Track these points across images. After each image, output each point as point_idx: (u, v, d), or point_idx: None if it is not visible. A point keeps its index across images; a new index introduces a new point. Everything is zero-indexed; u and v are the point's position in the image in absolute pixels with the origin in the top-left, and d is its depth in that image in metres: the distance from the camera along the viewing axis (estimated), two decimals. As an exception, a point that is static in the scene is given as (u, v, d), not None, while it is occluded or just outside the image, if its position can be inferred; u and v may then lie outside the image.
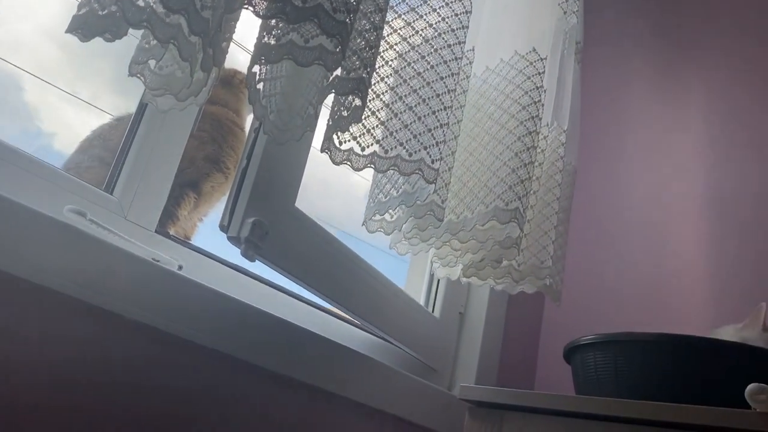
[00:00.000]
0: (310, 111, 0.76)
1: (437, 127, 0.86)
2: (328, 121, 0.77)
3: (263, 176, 0.81)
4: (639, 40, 1.60)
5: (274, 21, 0.63)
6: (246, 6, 0.60)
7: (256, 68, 0.72)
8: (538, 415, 0.87)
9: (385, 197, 0.93)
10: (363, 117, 0.82)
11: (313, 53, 0.65)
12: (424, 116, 0.85)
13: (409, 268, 1.36)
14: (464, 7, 0.92)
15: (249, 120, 1.06)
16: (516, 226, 0.97)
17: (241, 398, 0.85)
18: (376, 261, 1.07)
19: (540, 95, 1.02)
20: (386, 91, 0.85)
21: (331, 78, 0.70)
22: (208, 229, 1.06)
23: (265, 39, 0.66)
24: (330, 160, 0.81)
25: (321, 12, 0.61)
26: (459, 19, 0.90)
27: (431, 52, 0.87)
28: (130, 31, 0.64)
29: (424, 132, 0.85)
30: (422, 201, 0.91)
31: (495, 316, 1.34)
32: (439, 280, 1.31)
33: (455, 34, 0.89)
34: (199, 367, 0.81)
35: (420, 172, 0.83)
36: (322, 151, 0.79)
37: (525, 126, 0.99)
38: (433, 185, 0.87)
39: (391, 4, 0.87)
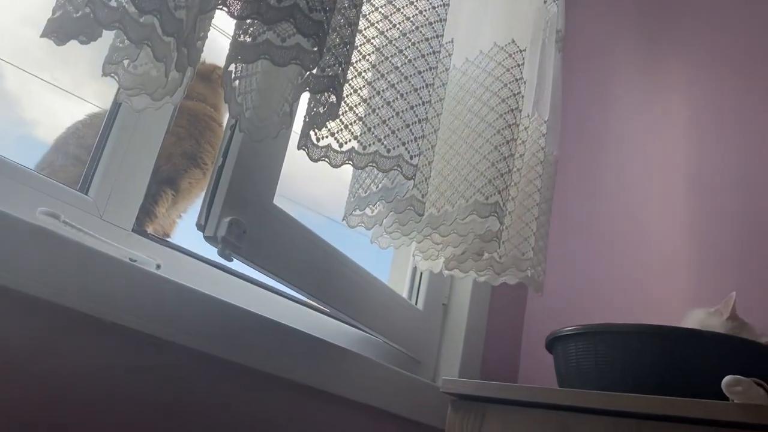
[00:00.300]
0: (286, 108, 0.75)
1: (416, 122, 0.85)
2: (305, 117, 0.76)
3: (240, 174, 0.80)
4: (621, 28, 1.60)
5: (249, 20, 0.62)
6: (220, 6, 0.59)
7: (232, 67, 0.71)
8: (520, 408, 0.88)
9: (365, 192, 0.93)
10: (340, 113, 0.81)
11: (290, 53, 0.64)
12: (403, 111, 0.84)
13: (392, 260, 1.36)
14: (442, 0, 0.91)
15: (227, 116, 1.04)
16: (496, 220, 0.97)
17: (222, 397, 0.85)
18: (363, 249, 1.07)
19: (519, 87, 1.02)
20: (364, 86, 0.85)
21: (305, 76, 0.69)
22: (188, 226, 1.05)
23: (241, 37, 0.65)
24: (307, 157, 0.80)
25: (297, 12, 0.60)
26: (437, 11, 0.89)
27: (409, 46, 0.87)
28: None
29: (402, 128, 0.84)
30: (402, 196, 0.90)
31: (478, 306, 1.34)
32: (422, 272, 1.31)
33: (433, 27, 0.88)
34: (179, 368, 0.81)
35: (399, 169, 0.83)
36: (299, 148, 0.78)
37: (504, 119, 0.99)
38: (413, 181, 0.86)
39: (367, -3, 0.86)
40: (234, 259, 0.79)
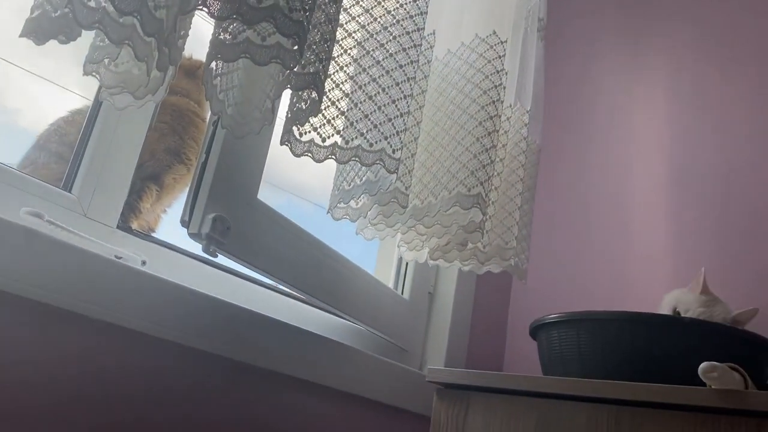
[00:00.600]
0: (268, 104, 0.75)
1: (398, 116, 0.86)
2: (287, 113, 0.76)
3: (223, 170, 0.81)
4: (605, 18, 1.61)
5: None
6: (200, 7, 0.59)
7: (213, 64, 0.71)
8: (504, 396, 0.89)
9: (349, 185, 0.93)
10: (323, 108, 0.82)
11: (271, 51, 0.64)
12: (384, 106, 0.85)
13: (379, 250, 1.37)
14: (423, -8, 0.91)
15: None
16: (479, 211, 0.98)
17: (209, 391, 0.86)
18: (350, 238, 1.08)
19: (501, 79, 1.02)
20: (346, 81, 0.85)
21: (287, 73, 0.69)
22: (173, 220, 1.05)
23: (221, 35, 0.66)
24: (291, 153, 0.81)
25: (277, 12, 0.60)
26: (417, 4, 0.90)
27: (390, 40, 0.87)
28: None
29: (384, 122, 0.85)
30: (386, 189, 0.91)
31: (464, 294, 1.36)
32: (407, 262, 1.32)
33: (414, 21, 0.89)
34: (166, 363, 0.81)
35: (381, 163, 0.84)
36: (282, 143, 0.79)
37: (486, 111, 1.00)
38: (395, 174, 0.87)
39: (348, -11, 0.86)
40: (219, 255, 0.80)
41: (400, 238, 1.09)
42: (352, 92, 0.85)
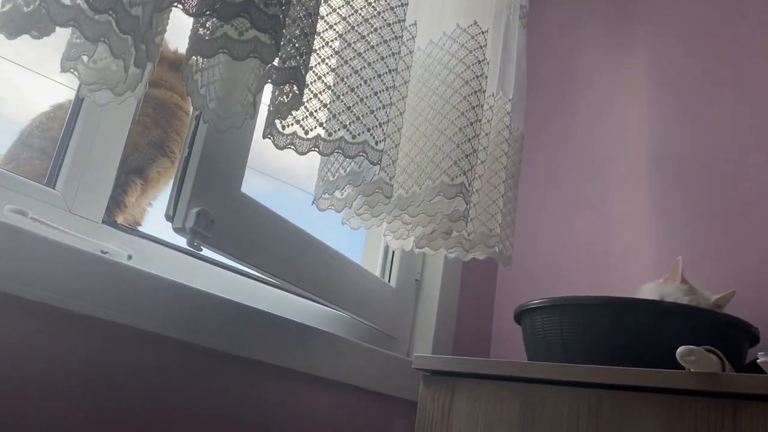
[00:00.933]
0: (249, 98, 0.76)
1: (380, 108, 0.86)
2: (269, 107, 0.77)
3: (206, 164, 0.81)
4: (586, 3, 1.61)
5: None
6: (175, 4, 0.59)
7: (192, 60, 0.71)
8: (489, 381, 0.91)
9: (333, 176, 0.94)
10: (305, 100, 0.82)
11: (249, 46, 0.65)
12: (366, 98, 0.85)
13: (366, 237, 1.37)
14: (403, -17, 0.92)
15: (194, 103, 1.04)
16: (462, 200, 0.99)
17: (198, 382, 0.87)
18: (338, 226, 1.08)
19: (482, 69, 1.03)
20: (328, 73, 0.85)
21: (267, 67, 0.70)
22: (159, 213, 1.05)
23: (200, 31, 0.66)
24: (274, 146, 0.81)
25: (252, 7, 0.60)
26: (398, -4, 0.90)
27: (371, 32, 0.87)
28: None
29: (366, 114, 0.85)
30: (370, 180, 0.92)
31: (451, 280, 1.37)
32: (394, 250, 1.33)
33: (394, 12, 0.89)
34: (154, 356, 0.82)
35: (364, 155, 0.84)
36: (264, 137, 0.79)
37: (468, 101, 1.00)
38: (379, 165, 0.88)
39: (329, -18, 0.86)
40: (203, 249, 0.81)
41: (386, 227, 1.10)
42: (334, 84, 0.85)
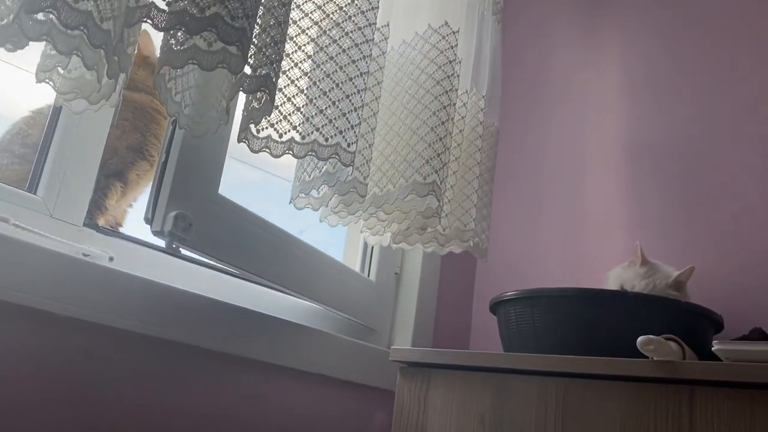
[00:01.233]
0: (223, 104, 0.78)
1: (352, 110, 0.89)
2: (243, 112, 0.79)
3: (183, 169, 0.83)
4: (561, 1, 1.63)
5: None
6: (145, 20, 0.61)
7: (164, 69, 0.73)
8: (463, 372, 0.94)
9: (309, 177, 0.97)
10: (279, 104, 0.85)
11: (217, 57, 0.67)
12: (339, 101, 0.88)
13: (347, 233, 1.40)
14: (374, -13, 0.94)
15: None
16: (434, 198, 1.01)
17: (181, 379, 0.89)
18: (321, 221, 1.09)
19: (454, 69, 1.05)
20: (301, 77, 0.88)
21: (239, 76, 0.72)
22: (140, 214, 1.07)
23: (171, 41, 0.68)
24: (248, 149, 0.84)
25: (219, 21, 0.63)
26: (368, 0, 0.92)
27: (343, 36, 0.89)
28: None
29: (339, 117, 0.87)
30: (344, 180, 0.94)
31: (430, 273, 1.40)
32: (372, 246, 1.36)
33: (365, 16, 0.91)
34: (133, 353, 0.85)
35: (337, 157, 0.87)
36: (239, 141, 0.82)
37: (440, 101, 1.03)
38: (351, 166, 0.90)
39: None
40: (182, 251, 0.83)
41: (363, 224, 1.13)
42: (307, 88, 0.87)
